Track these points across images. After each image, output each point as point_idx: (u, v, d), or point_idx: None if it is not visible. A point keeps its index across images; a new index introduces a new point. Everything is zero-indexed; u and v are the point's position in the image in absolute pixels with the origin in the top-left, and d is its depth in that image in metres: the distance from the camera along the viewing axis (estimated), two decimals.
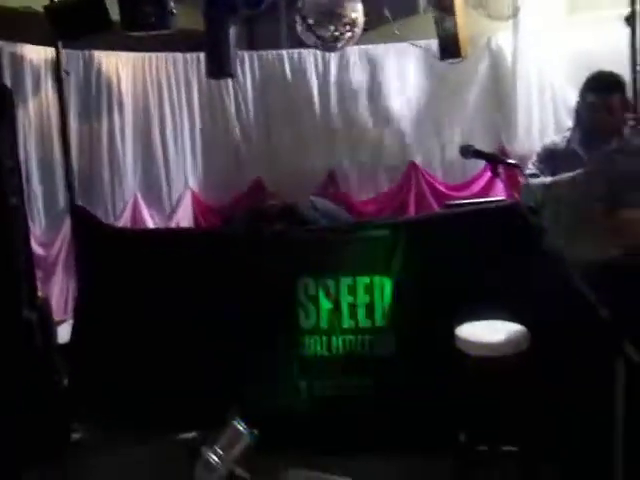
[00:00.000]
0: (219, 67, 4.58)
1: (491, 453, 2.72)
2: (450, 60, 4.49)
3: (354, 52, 5.32)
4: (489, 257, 3.03)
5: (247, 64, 5.50)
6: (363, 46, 5.22)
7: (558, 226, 2.48)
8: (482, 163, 4.43)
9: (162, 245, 3.64)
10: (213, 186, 5.60)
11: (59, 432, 3.29)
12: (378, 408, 3.14)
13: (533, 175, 2.92)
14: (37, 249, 4.50)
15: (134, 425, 3.30)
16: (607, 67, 2.93)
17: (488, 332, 2.67)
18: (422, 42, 4.96)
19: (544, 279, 2.53)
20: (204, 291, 3.38)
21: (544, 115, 4.90)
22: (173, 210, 5.42)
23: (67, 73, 4.31)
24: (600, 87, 2.81)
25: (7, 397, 3.06)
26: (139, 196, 5.29)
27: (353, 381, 3.23)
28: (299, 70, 5.50)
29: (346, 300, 3.26)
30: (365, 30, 4.25)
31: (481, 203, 3.72)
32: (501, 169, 2.63)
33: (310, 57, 5.46)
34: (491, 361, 2.55)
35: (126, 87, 5.22)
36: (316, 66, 5.49)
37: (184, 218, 5.45)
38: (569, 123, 3.07)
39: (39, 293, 3.51)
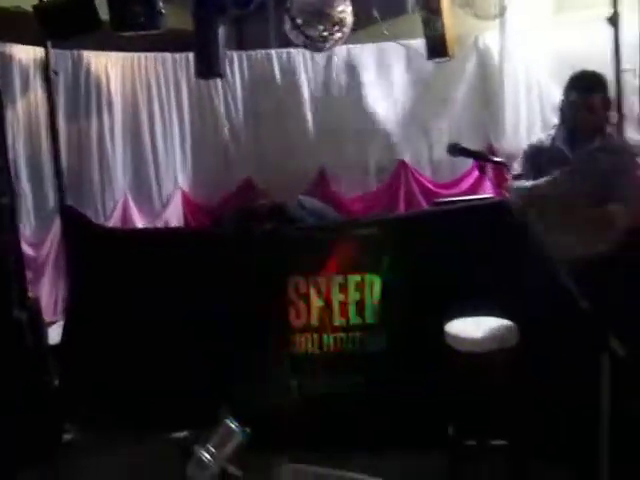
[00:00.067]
0: (208, 67, 4.59)
1: (480, 447, 2.76)
2: (438, 59, 4.54)
3: (342, 52, 5.33)
4: (478, 254, 3.05)
5: (236, 64, 5.49)
6: (351, 46, 5.23)
7: (544, 224, 2.51)
8: (471, 161, 4.50)
9: (152, 245, 3.65)
10: (203, 186, 5.58)
11: (51, 433, 3.29)
12: (369, 405, 3.15)
13: (518, 176, 2.95)
14: (27, 249, 4.45)
15: (126, 425, 3.30)
16: (592, 66, 2.97)
17: (477, 328, 2.69)
18: (410, 42, 5.00)
19: (532, 275, 2.57)
20: (195, 291, 3.38)
21: (531, 113, 4.93)
22: (163, 209, 5.41)
23: (56, 73, 4.31)
24: (582, 86, 2.84)
25: None
26: (129, 196, 5.27)
27: (344, 379, 3.25)
28: (288, 70, 5.49)
29: (337, 298, 3.27)
30: (354, 30, 4.26)
31: (470, 201, 3.75)
32: (488, 167, 2.65)
33: (299, 57, 5.46)
34: (480, 357, 2.58)
35: (115, 87, 5.19)
36: (305, 66, 5.48)
37: (174, 218, 5.43)
38: (555, 121, 3.10)
39: (29, 293, 3.51)
